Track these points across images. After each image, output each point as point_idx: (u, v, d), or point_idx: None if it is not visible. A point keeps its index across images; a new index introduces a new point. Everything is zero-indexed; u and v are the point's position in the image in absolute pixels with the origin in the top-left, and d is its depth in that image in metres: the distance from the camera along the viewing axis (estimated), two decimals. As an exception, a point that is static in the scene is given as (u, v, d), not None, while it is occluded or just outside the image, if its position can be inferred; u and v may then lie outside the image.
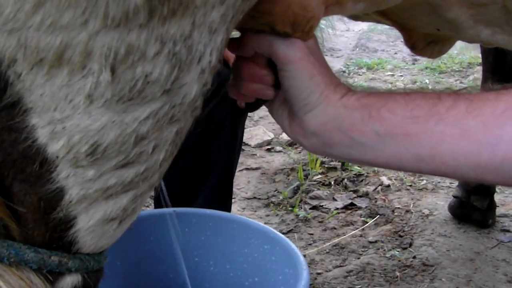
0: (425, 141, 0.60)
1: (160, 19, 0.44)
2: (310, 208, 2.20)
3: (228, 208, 1.61)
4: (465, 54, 4.30)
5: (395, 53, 4.64)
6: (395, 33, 5.13)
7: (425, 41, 1.09)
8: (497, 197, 2.10)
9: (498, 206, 2.10)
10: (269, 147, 2.77)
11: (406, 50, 4.68)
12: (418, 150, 0.61)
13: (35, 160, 0.50)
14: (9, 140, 0.50)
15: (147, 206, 1.96)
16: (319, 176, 2.41)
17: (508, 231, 2.03)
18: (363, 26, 5.41)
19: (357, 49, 4.75)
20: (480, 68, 3.84)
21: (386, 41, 4.95)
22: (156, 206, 1.64)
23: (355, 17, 1.15)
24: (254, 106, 0.75)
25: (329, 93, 0.66)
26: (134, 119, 0.49)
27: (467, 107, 0.59)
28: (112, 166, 0.52)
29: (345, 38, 5.07)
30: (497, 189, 2.11)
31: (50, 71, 0.44)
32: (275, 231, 1.27)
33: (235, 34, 0.68)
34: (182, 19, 0.45)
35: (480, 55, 3.98)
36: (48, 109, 0.46)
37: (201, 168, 1.54)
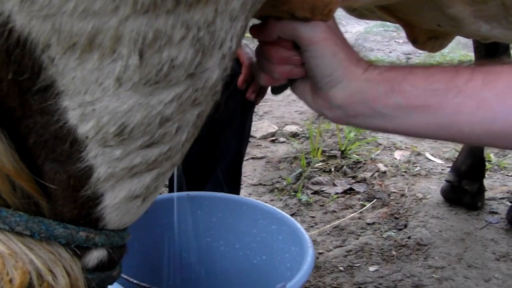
0: (444, 112, 0.61)
1: (186, 6, 0.43)
2: (312, 193, 2.19)
3: (237, 194, 1.61)
4: (455, 52, 4.27)
5: (390, 52, 4.61)
6: (389, 34, 5.11)
7: (426, 36, 1.08)
8: (486, 182, 2.09)
9: (486, 190, 2.09)
10: (273, 138, 2.76)
11: (400, 49, 4.67)
12: (437, 120, 0.61)
13: (66, 140, 0.49)
14: (41, 122, 0.49)
15: (161, 193, 1.96)
16: (320, 163, 2.41)
17: (496, 213, 2.02)
18: (359, 28, 5.40)
19: (355, 48, 4.72)
20: (469, 65, 3.81)
21: (381, 41, 4.92)
22: (170, 191, 1.64)
23: (360, 15, 1.14)
24: (282, 88, 0.74)
25: (352, 68, 0.65)
26: (159, 102, 0.48)
27: (483, 79, 0.59)
28: (138, 146, 0.51)
29: (343, 39, 5.04)
30: (485, 175, 2.10)
31: (82, 56, 0.43)
32: (281, 212, 1.26)
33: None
34: (206, 6, 0.45)
35: (469, 54, 3.97)
36: (79, 92, 0.45)
37: (212, 156, 1.54)
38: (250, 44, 1.38)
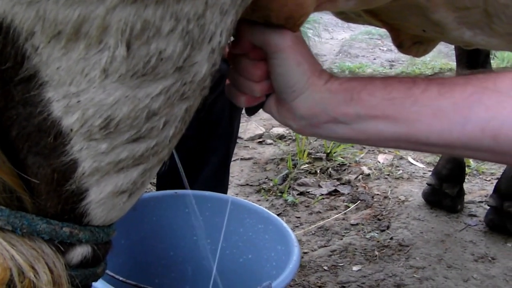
0: (402, 121, 0.60)
1: (175, -4, 0.41)
2: (297, 194, 2.18)
3: (224, 193, 1.58)
4: (437, 60, 4.30)
5: (374, 59, 4.62)
6: (374, 41, 5.14)
7: (412, 41, 1.06)
8: (465, 186, 2.09)
9: (466, 194, 2.10)
10: (260, 140, 2.74)
11: (384, 56, 4.68)
12: (396, 129, 0.60)
13: (49, 133, 0.47)
14: (24, 113, 0.46)
15: (149, 190, 1.93)
16: (306, 165, 2.39)
17: (474, 215, 2.02)
18: (345, 35, 5.42)
19: (340, 55, 4.74)
20: (449, 74, 3.84)
21: (366, 48, 4.94)
22: (158, 189, 1.61)
23: (347, 19, 1.12)
24: (256, 108, 0.72)
25: (315, 79, 0.64)
26: (146, 95, 0.45)
27: (439, 89, 0.58)
28: (124, 140, 0.48)
29: (330, 45, 5.06)
30: (465, 179, 2.10)
31: (67, 45, 0.40)
32: (268, 211, 1.24)
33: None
34: (196, -2, 0.42)
35: (449, 63, 3.99)
36: (64, 83, 0.43)
37: (200, 155, 1.51)
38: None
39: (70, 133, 0.46)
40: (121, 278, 0.98)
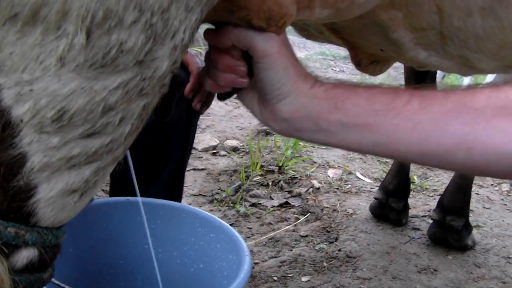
0: (383, 131, 0.61)
1: (139, -14, 0.39)
2: (249, 205, 2.16)
3: (178, 201, 1.55)
4: (385, 83, 4.44)
5: (327, 79, 4.71)
6: (327, 62, 5.25)
7: (369, 60, 1.09)
8: (409, 201, 2.14)
9: (410, 208, 2.14)
10: (214, 151, 2.72)
11: (336, 77, 4.78)
12: (376, 138, 0.62)
13: (-2, 124, 0.43)
14: (-28, 102, 0.43)
15: (100, 197, 1.86)
16: (259, 177, 2.38)
17: (418, 229, 2.07)
18: (300, 54, 5.51)
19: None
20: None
21: (320, 68, 5.02)
22: (111, 195, 1.56)
23: (309, 36, 1.13)
24: (227, 95, 0.72)
25: (300, 83, 0.64)
26: (104, 88, 0.43)
27: (420, 103, 0.60)
28: (78, 134, 0.45)
29: (285, 64, 5.12)
30: (410, 194, 2.16)
31: (23, 29, 0.38)
32: (220, 220, 1.21)
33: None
34: (161, -10, 0.40)
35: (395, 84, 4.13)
36: (17, 69, 0.40)
37: (155, 163, 1.47)
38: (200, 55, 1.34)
39: (20, 124, 0.43)
40: (67, 287, 0.93)
